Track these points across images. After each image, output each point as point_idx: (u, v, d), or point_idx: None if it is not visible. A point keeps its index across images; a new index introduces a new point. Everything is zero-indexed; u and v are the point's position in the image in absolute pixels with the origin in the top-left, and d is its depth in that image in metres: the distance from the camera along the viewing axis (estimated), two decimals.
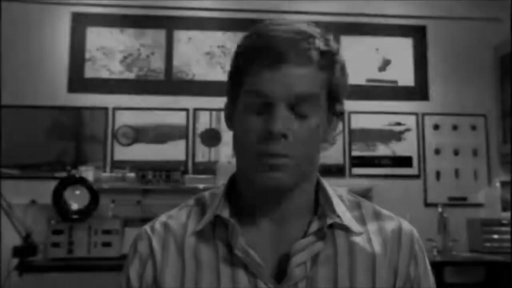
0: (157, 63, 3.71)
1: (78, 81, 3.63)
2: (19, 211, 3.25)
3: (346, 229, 0.85)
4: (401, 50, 3.93)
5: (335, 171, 3.72)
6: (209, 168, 3.57)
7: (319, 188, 0.88)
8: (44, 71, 3.59)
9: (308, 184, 0.85)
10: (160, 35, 3.74)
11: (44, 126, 3.53)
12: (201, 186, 3.38)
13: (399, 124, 3.84)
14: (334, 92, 0.82)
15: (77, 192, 3.13)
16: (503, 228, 3.50)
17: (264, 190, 0.81)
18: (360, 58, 3.85)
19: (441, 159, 3.84)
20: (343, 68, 0.83)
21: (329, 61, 0.80)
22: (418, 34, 3.96)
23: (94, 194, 3.13)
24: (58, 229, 3.12)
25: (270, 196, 0.83)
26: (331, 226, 0.84)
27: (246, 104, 0.79)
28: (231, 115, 0.85)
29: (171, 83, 3.70)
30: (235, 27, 3.74)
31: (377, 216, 0.89)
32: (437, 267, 3.10)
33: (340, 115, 0.86)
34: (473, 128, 3.90)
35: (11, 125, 3.49)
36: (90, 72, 3.65)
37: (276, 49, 0.76)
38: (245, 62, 0.80)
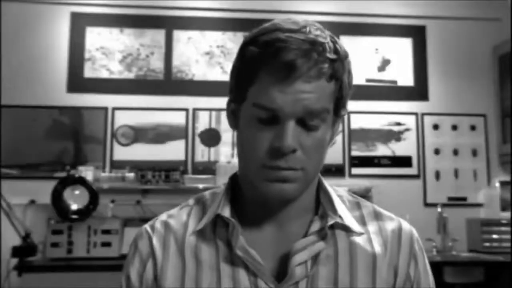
0: (157, 63, 3.71)
1: (77, 81, 3.62)
2: (19, 211, 3.25)
3: (347, 229, 0.85)
4: (400, 50, 3.93)
5: (335, 171, 3.72)
6: (208, 168, 3.57)
7: (320, 188, 0.88)
8: (44, 71, 3.59)
9: (311, 186, 0.85)
10: (159, 35, 3.74)
11: (43, 126, 3.53)
12: (200, 186, 3.38)
13: (398, 124, 3.85)
14: (341, 100, 0.81)
15: (77, 192, 3.13)
16: (503, 228, 3.50)
17: (269, 200, 0.80)
18: (360, 58, 3.85)
19: (440, 159, 3.84)
20: (350, 72, 0.81)
21: (339, 69, 0.77)
22: (417, 34, 3.96)
23: (94, 194, 3.13)
24: (57, 229, 3.12)
25: (275, 203, 0.83)
26: (331, 226, 0.83)
27: (253, 116, 0.78)
28: (235, 113, 0.84)
29: (171, 83, 3.70)
30: (234, 27, 3.74)
31: (377, 216, 0.90)
32: (437, 267, 3.11)
33: (343, 116, 0.85)
34: (473, 128, 3.90)
35: (10, 125, 3.49)
36: (89, 72, 3.65)
37: (287, 63, 0.73)
38: (254, 71, 0.77)
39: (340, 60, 0.78)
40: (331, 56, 0.76)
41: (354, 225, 0.86)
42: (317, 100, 0.75)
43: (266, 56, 0.75)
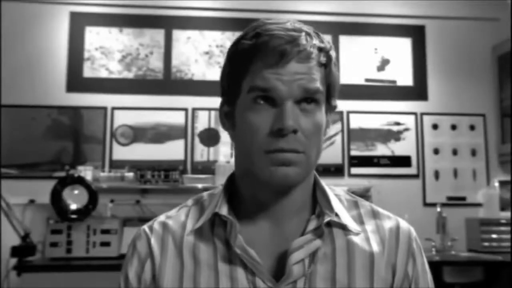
0: (156, 62, 3.71)
1: (76, 80, 3.62)
2: (18, 210, 3.25)
3: (344, 228, 0.85)
4: (400, 50, 3.93)
5: (334, 171, 3.72)
6: (207, 168, 3.57)
7: (317, 187, 0.88)
8: (43, 71, 3.59)
9: (306, 182, 0.85)
10: (158, 34, 3.74)
11: (42, 125, 3.53)
12: (199, 185, 3.38)
13: (397, 123, 3.85)
14: (331, 88, 0.84)
15: (76, 191, 3.13)
16: (502, 228, 3.50)
17: (273, 186, 0.80)
18: (359, 58, 3.86)
19: (439, 158, 3.84)
20: (336, 64, 0.85)
21: (326, 57, 0.81)
22: (417, 34, 3.96)
23: (93, 194, 3.13)
24: (56, 229, 3.12)
25: (275, 192, 0.83)
26: (329, 224, 0.84)
27: (250, 101, 0.79)
28: (228, 115, 0.86)
29: (170, 83, 3.70)
30: (233, 27, 3.74)
31: (375, 215, 0.90)
32: (436, 267, 3.11)
33: (334, 110, 0.87)
34: (472, 127, 3.90)
35: (9, 124, 3.49)
36: (88, 71, 3.65)
37: (279, 47, 0.77)
38: (247, 61, 0.80)
39: (326, 49, 0.82)
40: (317, 43, 0.80)
41: (351, 224, 0.86)
42: (311, 80, 0.79)
43: (258, 45, 0.79)
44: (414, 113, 3.87)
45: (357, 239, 0.85)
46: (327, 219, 0.82)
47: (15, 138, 3.49)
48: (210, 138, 3.66)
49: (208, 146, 3.65)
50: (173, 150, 3.61)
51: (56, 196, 3.07)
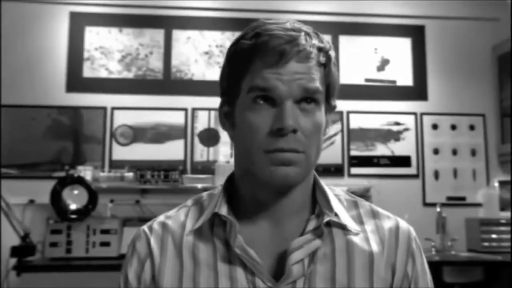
0: (156, 62, 3.71)
1: (76, 80, 3.62)
2: (18, 210, 3.25)
3: (344, 228, 0.85)
4: (399, 50, 3.93)
5: (334, 171, 3.72)
6: (207, 168, 3.57)
7: (316, 187, 0.88)
8: (43, 71, 3.59)
9: (306, 182, 0.85)
10: (158, 34, 3.74)
11: (42, 125, 3.53)
12: (199, 185, 3.38)
13: (397, 123, 3.85)
14: (331, 88, 0.84)
15: (76, 191, 3.13)
16: (502, 228, 3.50)
17: (273, 185, 0.80)
18: (359, 58, 3.86)
19: (439, 158, 3.84)
20: (335, 64, 0.85)
21: (325, 57, 0.82)
22: (416, 34, 3.96)
23: (93, 194, 3.13)
24: (56, 229, 3.12)
25: (274, 192, 0.83)
26: (328, 224, 0.84)
27: (250, 101, 0.80)
28: (228, 115, 0.86)
29: (170, 83, 3.70)
30: (233, 27, 3.74)
31: (375, 215, 0.90)
32: (436, 267, 3.11)
33: (333, 110, 0.87)
34: (472, 127, 3.90)
35: (9, 124, 3.49)
36: (88, 71, 3.65)
37: (279, 47, 0.77)
38: (246, 61, 0.80)
39: (326, 49, 0.82)
40: (317, 43, 0.80)
41: (351, 224, 0.86)
42: (311, 80, 0.79)
43: (257, 45, 0.79)
44: (414, 113, 3.87)
45: (356, 239, 0.85)
46: (326, 219, 0.83)
47: (15, 138, 3.48)
48: (210, 138, 3.65)
49: (208, 146, 3.65)
50: (173, 150, 3.61)
51: (56, 196, 3.07)
